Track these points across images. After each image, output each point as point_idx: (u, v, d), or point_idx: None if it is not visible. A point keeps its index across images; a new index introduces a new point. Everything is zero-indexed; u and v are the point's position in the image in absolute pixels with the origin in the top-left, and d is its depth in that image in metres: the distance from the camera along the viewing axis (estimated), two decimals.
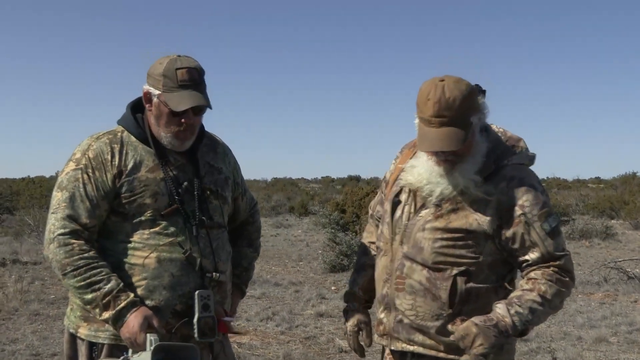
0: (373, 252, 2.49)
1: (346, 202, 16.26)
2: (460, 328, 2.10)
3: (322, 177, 60.16)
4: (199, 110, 2.32)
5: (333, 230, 12.47)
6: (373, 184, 23.04)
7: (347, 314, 2.50)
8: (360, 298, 2.50)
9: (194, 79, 2.28)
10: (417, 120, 2.22)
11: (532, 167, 2.31)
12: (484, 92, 2.23)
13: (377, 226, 2.47)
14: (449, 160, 2.18)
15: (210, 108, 2.32)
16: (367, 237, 2.59)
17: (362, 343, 2.44)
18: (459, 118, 2.11)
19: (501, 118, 3.25)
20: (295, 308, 7.97)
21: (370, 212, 2.59)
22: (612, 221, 20.81)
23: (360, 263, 2.56)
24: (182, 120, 2.27)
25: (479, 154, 2.20)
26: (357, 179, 51.88)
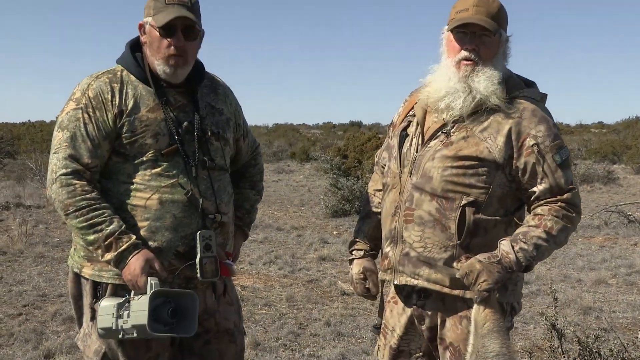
0: (377, 200, 2.48)
1: (348, 148, 16.23)
2: (464, 265, 2.10)
3: (323, 123, 60.02)
4: (190, 34, 2.28)
5: (335, 176, 12.46)
6: (375, 130, 22.98)
7: (352, 262, 2.50)
8: (366, 246, 2.50)
9: (183, 0, 2.26)
10: (445, 30, 2.25)
11: None
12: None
13: (383, 173, 2.45)
14: (471, 60, 2.17)
15: (199, 27, 2.29)
16: (372, 186, 2.57)
17: (369, 287, 2.44)
18: (496, 15, 2.18)
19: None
20: (297, 252, 8.04)
21: (376, 159, 2.57)
22: (614, 166, 20.83)
23: (365, 211, 2.55)
24: (170, 41, 2.24)
25: (500, 70, 2.19)
26: (358, 124, 51.78)
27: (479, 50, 2.18)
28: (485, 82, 2.15)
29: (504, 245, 2.10)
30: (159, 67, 2.28)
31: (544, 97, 2.28)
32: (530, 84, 2.30)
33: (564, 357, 3.18)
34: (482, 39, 2.18)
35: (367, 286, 2.44)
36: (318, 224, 10.50)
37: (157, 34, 2.25)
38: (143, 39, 2.32)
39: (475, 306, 2.08)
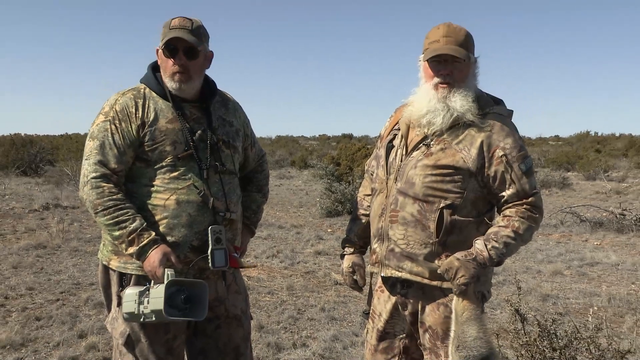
0: (367, 204, 2.47)
1: (340, 156, 16.23)
2: (444, 262, 2.09)
3: (319, 135, 60.00)
4: (191, 54, 2.27)
5: (329, 181, 12.46)
6: (364, 141, 22.97)
7: (343, 257, 2.50)
8: (355, 244, 2.49)
9: (184, 25, 2.26)
10: (421, 58, 2.23)
11: None
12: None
13: (372, 180, 2.44)
14: (447, 83, 2.17)
15: (199, 48, 2.26)
16: (362, 191, 2.56)
17: (357, 280, 2.44)
18: (464, 43, 2.17)
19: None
20: (296, 247, 8.01)
21: (366, 167, 2.56)
22: (568, 173, 20.85)
23: (355, 214, 2.54)
24: (172, 61, 2.25)
25: (472, 90, 2.19)
26: (350, 136, 51.78)
27: (453, 75, 2.17)
28: (461, 101, 2.15)
29: (479, 244, 2.10)
30: (168, 83, 2.28)
31: (510, 113, 2.26)
32: (499, 102, 2.29)
33: (526, 337, 3.17)
34: (454, 65, 2.17)
35: (355, 278, 2.44)
36: (314, 223, 10.47)
37: (163, 55, 2.27)
38: (159, 61, 2.32)
39: (455, 297, 2.09)
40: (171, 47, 2.25)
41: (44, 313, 4.77)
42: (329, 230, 9.65)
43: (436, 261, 2.14)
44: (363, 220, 2.47)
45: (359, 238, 2.48)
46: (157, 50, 2.31)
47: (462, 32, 2.19)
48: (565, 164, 23.44)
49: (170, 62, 2.26)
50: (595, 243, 8.51)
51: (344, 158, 15.90)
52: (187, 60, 2.26)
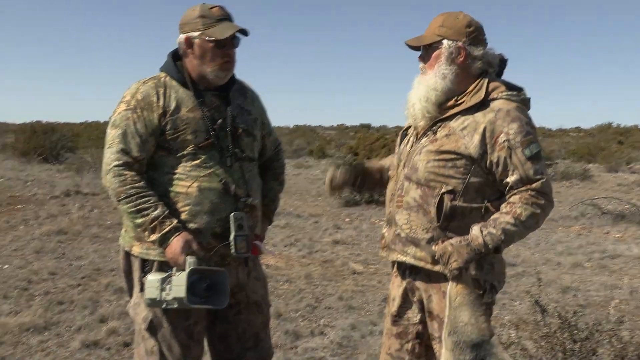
0: (389, 165, 2.50)
1: (359, 146, 16.21)
2: (439, 247, 2.10)
3: (337, 125, 59.90)
4: (237, 42, 2.33)
5: None
6: (382, 131, 22.87)
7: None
8: (361, 163, 2.54)
9: (227, 13, 2.31)
10: None
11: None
12: (505, 60, 2.27)
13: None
14: (422, 70, 2.26)
15: (247, 34, 2.32)
16: None
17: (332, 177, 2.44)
18: (431, 30, 2.23)
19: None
20: (314, 236, 8.03)
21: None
22: (590, 165, 20.59)
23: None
24: (224, 51, 2.29)
25: (440, 77, 2.20)
26: (368, 126, 51.60)
27: (425, 62, 2.26)
28: (425, 83, 2.22)
29: (474, 230, 2.08)
30: (212, 73, 2.29)
31: (524, 100, 2.21)
32: (517, 88, 2.24)
33: (546, 329, 3.15)
34: (426, 51, 2.26)
35: (333, 175, 2.44)
36: (332, 213, 10.48)
37: (212, 45, 2.27)
38: (190, 52, 2.31)
39: (450, 283, 2.08)
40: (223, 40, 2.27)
41: (66, 297, 4.85)
42: (346, 220, 9.65)
43: (433, 246, 2.14)
44: (379, 164, 2.54)
45: (365, 169, 2.50)
46: (188, 40, 2.30)
47: (437, 18, 2.24)
48: (586, 156, 23.18)
49: (220, 52, 2.28)
50: (617, 235, 8.41)
51: (361, 148, 15.90)
52: (233, 49, 2.31)
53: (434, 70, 2.20)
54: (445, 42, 2.19)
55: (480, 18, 2.25)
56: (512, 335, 3.46)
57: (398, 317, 2.36)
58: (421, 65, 2.27)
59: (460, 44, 2.18)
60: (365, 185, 2.53)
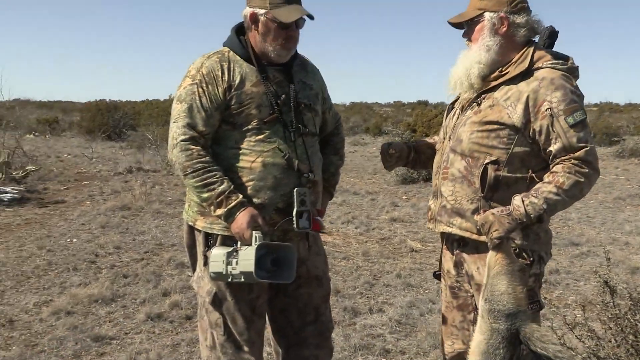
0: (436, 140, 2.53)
1: (417, 123, 15.99)
2: (480, 217, 2.10)
3: (394, 102, 59.30)
4: (301, 23, 2.33)
5: None
6: (440, 108, 22.47)
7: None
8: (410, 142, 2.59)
9: None
10: None
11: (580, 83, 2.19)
12: (556, 33, 2.25)
13: None
14: (468, 44, 2.26)
15: (312, 18, 2.31)
16: None
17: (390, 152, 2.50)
18: (472, 5, 2.24)
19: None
20: (371, 214, 8.01)
21: None
22: None
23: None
24: (288, 32, 2.29)
25: (485, 50, 2.19)
26: (425, 103, 50.83)
27: (469, 36, 2.27)
28: (469, 58, 2.22)
29: (516, 199, 2.06)
30: (274, 51, 2.30)
31: (571, 68, 2.16)
32: (562, 57, 2.19)
33: (616, 310, 3.04)
34: (469, 26, 2.27)
35: (390, 151, 2.49)
36: (389, 190, 10.43)
37: (275, 25, 2.27)
38: (254, 27, 2.32)
39: (490, 252, 2.07)
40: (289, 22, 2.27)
41: (131, 271, 5.03)
42: (404, 197, 9.58)
43: (475, 216, 2.14)
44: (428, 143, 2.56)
45: (415, 147, 2.54)
46: (253, 15, 2.30)
47: None
48: None
49: (284, 33, 2.29)
50: None
51: (420, 124, 15.68)
52: (296, 30, 2.32)
53: (477, 43, 2.21)
54: (486, 14, 2.20)
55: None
56: (578, 316, 3.37)
57: (457, 289, 2.35)
58: (466, 42, 2.28)
59: (502, 14, 2.18)
60: (419, 161, 2.56)
